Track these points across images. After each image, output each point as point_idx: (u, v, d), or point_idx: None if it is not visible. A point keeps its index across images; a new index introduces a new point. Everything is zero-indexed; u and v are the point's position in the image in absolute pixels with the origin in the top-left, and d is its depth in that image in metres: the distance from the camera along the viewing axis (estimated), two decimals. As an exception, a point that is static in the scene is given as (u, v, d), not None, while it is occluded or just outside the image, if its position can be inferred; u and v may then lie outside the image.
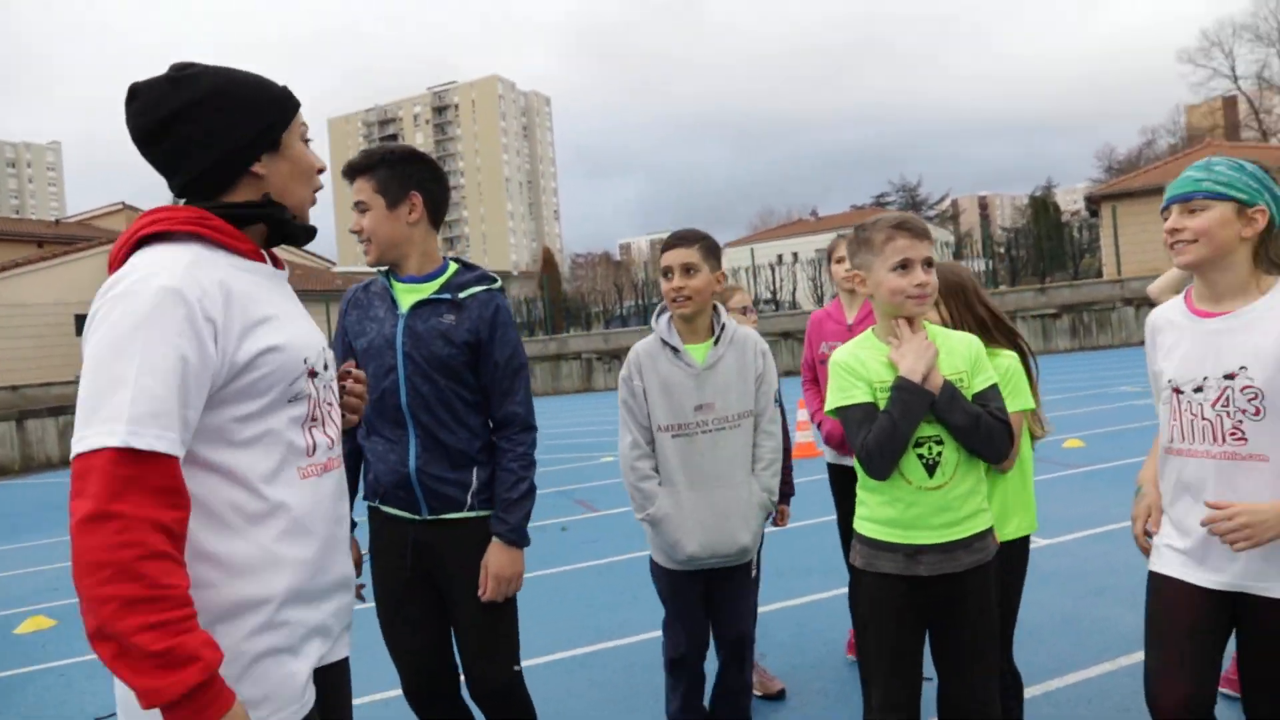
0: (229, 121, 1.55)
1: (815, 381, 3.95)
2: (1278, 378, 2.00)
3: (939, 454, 2.26)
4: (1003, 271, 27.82)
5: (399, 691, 2.69)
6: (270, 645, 1.49)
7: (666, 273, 2.87)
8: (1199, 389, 2.12)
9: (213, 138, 1.54)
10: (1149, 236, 24.74)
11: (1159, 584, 2.25)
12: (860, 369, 2.33)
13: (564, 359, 25.35)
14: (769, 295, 29.72)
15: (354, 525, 2.57)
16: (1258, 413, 2.03)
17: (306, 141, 1.69)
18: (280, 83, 1.66)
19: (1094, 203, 30.37)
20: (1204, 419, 2.11)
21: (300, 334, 1.59)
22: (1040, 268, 27.78)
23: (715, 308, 2.97)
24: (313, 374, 1.60)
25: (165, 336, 1.37)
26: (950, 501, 2.27)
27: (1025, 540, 2.83)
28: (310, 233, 1.68)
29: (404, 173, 2.50)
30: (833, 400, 2.37)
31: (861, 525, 2.39)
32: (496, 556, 2.52)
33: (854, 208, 77.11)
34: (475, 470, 2.53)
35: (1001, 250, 28.78)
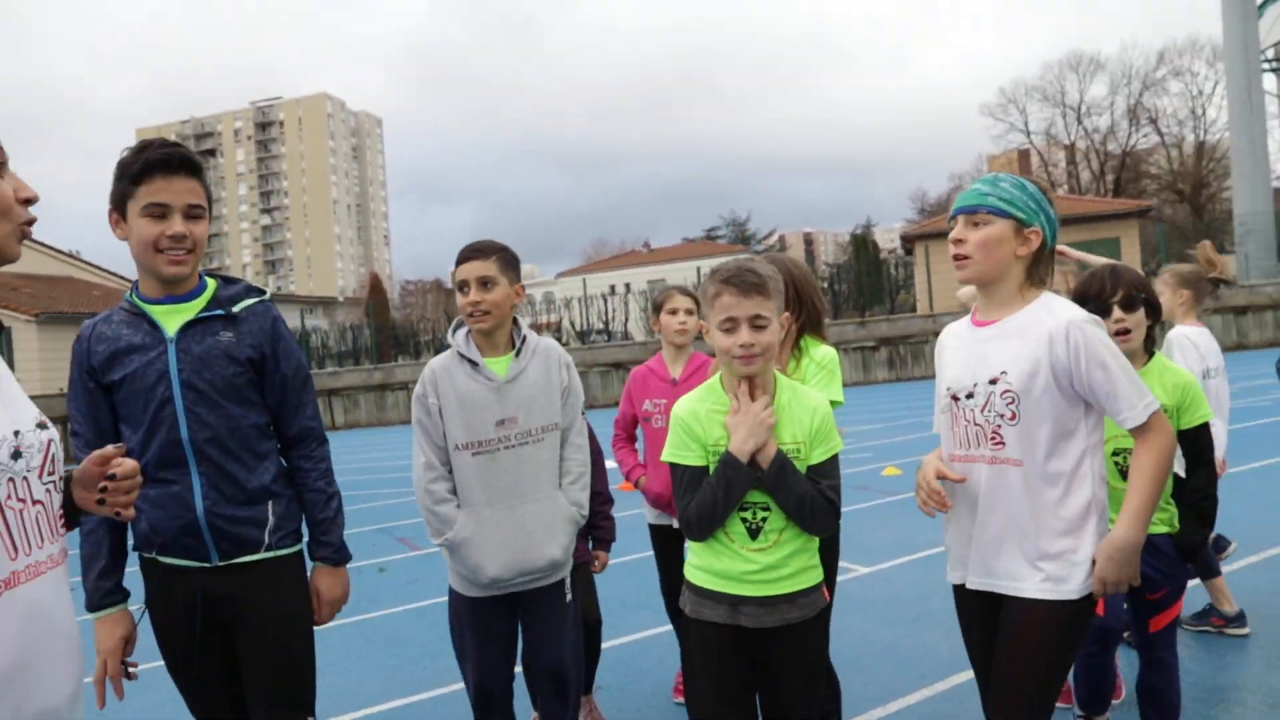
0: None
1: (630, 439, 3.88)
2: (1031, 382, 2.08)
3: (764, 519, 2.24)
4: (826, 304, 29.15)
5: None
6: None
7: (462, 287, 2.74)
8: (970, 395, 2.20)
9: None
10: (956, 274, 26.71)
11: (957, 597, 2.36)
12: (697, 428, 2.27)
13: (389, 389, 24.52)
14: (601, 325, 29.88)
15: (122, 596, 2.29)
16: (1013, 417, 2.11)
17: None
18: None
19: (909, 242, 32.45)
20: (976, 424, 2.19)
21: None
22: (860, 302, 29.26)
23: (515, 320, 2.86)
24: None
25: None
26: (775, 562, 2.24)
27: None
28: None
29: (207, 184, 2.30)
30: (667, 453, 2.33)
31: (690, 571, 2.34)
32: (326, 581, 2.43)
33: (685, 240, 79.18)
34: (271, 505, 2.33)
35: (825, 284, 30.14)
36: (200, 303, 2.30)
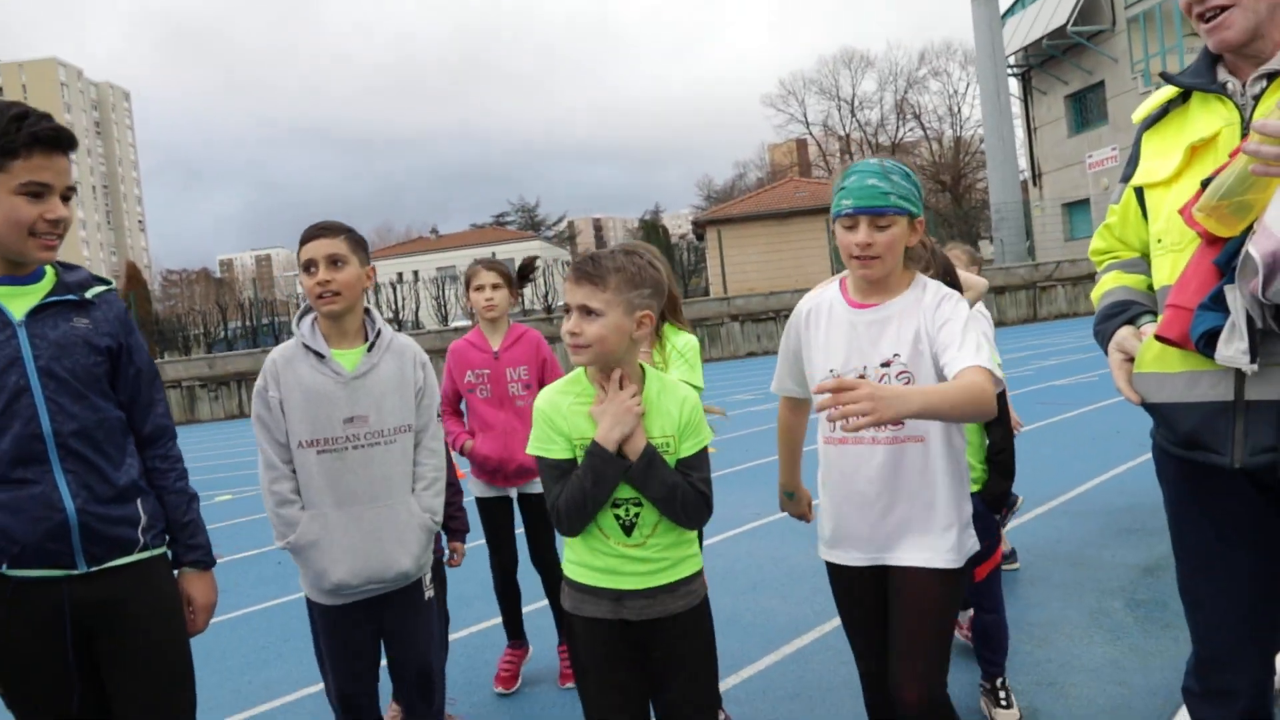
0: None
1: (455, 413, 3.84)
2: (923, 361, 2.15)
3: (636, 515, 2.16)
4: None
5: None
6: None
7: (309, 267, 2.54)
8: (861, 377, 2.20)
9: None
10: (746, 258, 27.75)
11: (837, 572, 2.37)
12: (560, 420, 2.17)
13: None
14: (390, 315, 28.82)
15: None
16: None
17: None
18: None
19: (700, 227, 33.49)
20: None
21: None
22: (653, 286, 30.04)
23: (368, 310, 2.68)
24: None
25: None
26: (651, 554, 2.17)
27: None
28: None
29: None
30: (532, 446, 2.22)
31: (568, 568, 2.25)
32: (200, 586, 2.29)
33: (474, 226, 77.91)
34: (140, 502, 2.15)
35: None
36: (45, 286, 2.08)
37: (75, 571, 2.01)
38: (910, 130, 55.31)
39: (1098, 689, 3.23)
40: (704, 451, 2.22)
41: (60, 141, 1.98)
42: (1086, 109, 30.81)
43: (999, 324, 22.76)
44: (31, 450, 1.97)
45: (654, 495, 2.11)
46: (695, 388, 2.80)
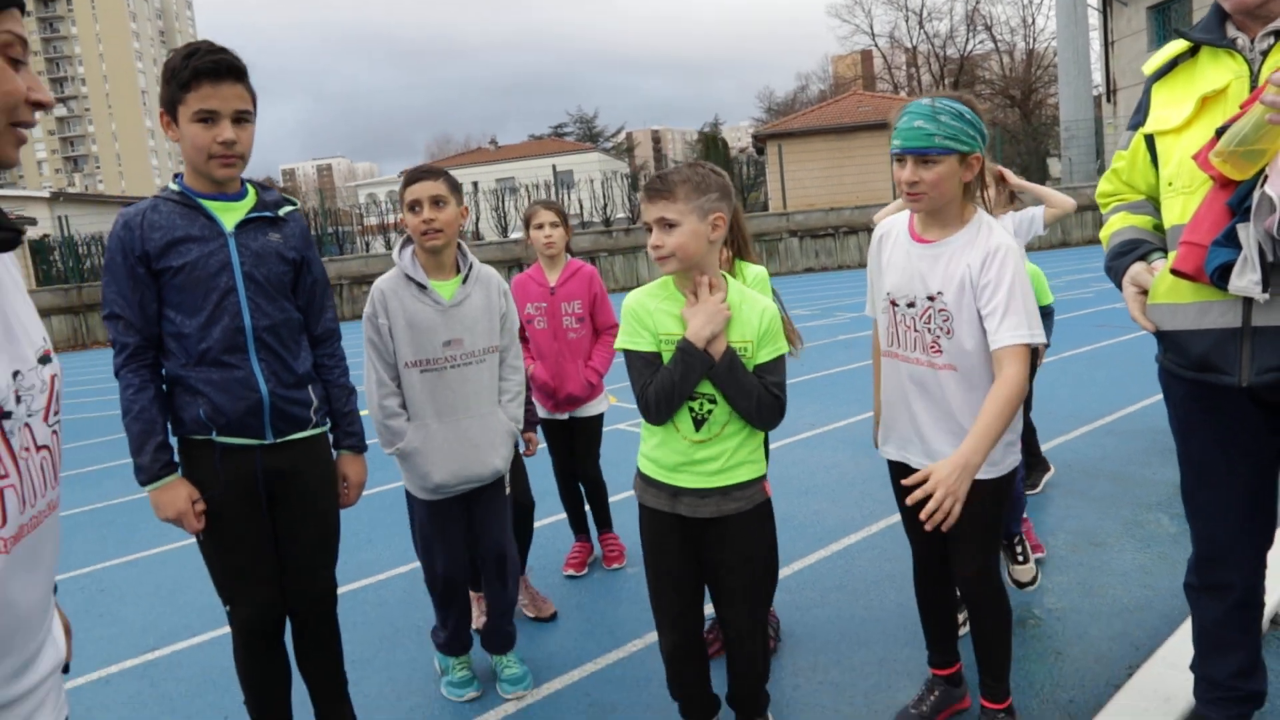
0: None
1: (523, 340, 4.06)
2: (962, 301, 2.33)
3: (709, 411, 2.34)
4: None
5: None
6: None
7: (414, 206, 2.84)
8: (911, 304, 2.43)
9: None
10: (807, 173, 27.41)
11: (895, 470, 2.59)
12: (646, 319, 2.36)
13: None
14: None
15: (178, 467, 2.40)
16: (949, 332, 2.36)
17: (15, 62, 1.21)
18: None
19: (760, 141, 32.95)
20: (915, 330, 2.43)
21: None
22: (712, 200, 29.74)
23: (460, 246, 2.98)
24: (3, 414, 1.17)
25: None
26: (715, 454, 2.36)
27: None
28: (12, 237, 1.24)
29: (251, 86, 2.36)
30: (620, 341, 2.41)
31: (640, 461, 2.48)
32: (354, 467, 2.68)
33: (532, 137, 77.45)
34: (312, 387, 2.53)
35: None
36: (248, 203, 2.42)
37: (264, 442, 2.41)
38: (980, 43, 53.01)
39: (1124, 590, 3.49)
40: (780, 359, 2.38)
41: (220, 71, 2.23)
42: (1170, 22, 29.26)
43: (1062, 244, 22.43)
44: (235, 341, 2.35)
45: (733, 393, 2.29)
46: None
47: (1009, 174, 3.90)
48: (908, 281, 2.43)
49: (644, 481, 2.46)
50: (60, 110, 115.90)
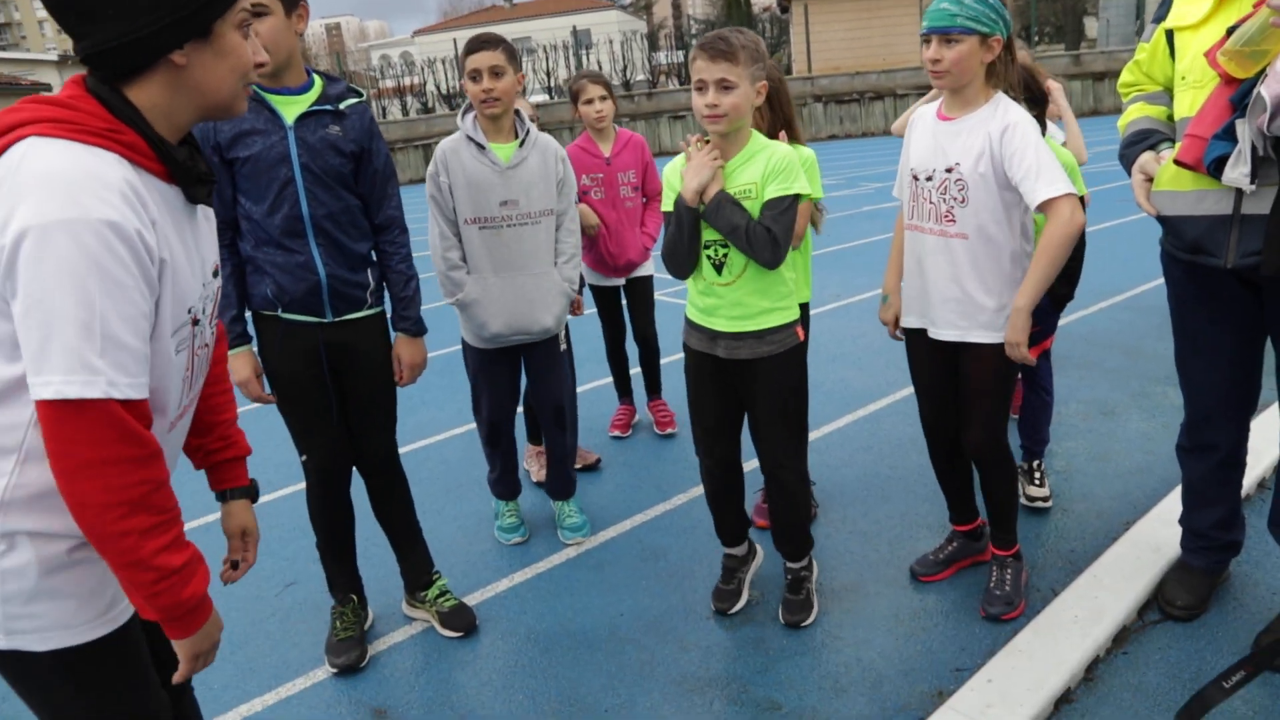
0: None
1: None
2: (976, 172, 2.52)
3: (724, 255, 2.56)
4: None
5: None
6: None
7: (475, 75, 2.99)
8: (930, 178, 2.63)
9: (130, 11, 1.31)
10: (832, 34, 26.52)
11: (910, 337, 2.85)
12: (674, 179, 2.63)
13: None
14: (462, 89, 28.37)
15: (250, 338, 2.67)
16: (963, 201, 2.56)
17: (245, 31, 1.45)
18: None
19: (785, 1, 31.75)
20: (930, 202, 2.64)
21: (188, 277, 1.44)
22: (734, 63, 28.95)
23: (517, 112, 3.15)
24: (194, 321, 1.48)
25: (120, 282, 1.27)
26: (742, 297, 2.58)
27: (805, 305, 3.31)
28: (206, 186, 1.47)
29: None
30: (662, 205, 2.68)
31: (686, 306, 2.77)
32: (408, 349, 2.84)
33: (548, -7, 74.38)
34: (369, 271, 2.71)
35: (690, 42, 29.38)
36: (311, 96, 2.55)
37: (325, 320, 2.64)
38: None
39: (1128, 455, 3.81)
40: (785, 198, 2.47)
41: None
42: None
43: (1093, 113, 21.90)
44: (295, 227, 2.55)
45: (723, 231, 2.49)
46: (813, 198, 3.17)
47: (1058, 93, 3.89)
48: (929, 156, 2.63)
49: (688, 325, 2.75)
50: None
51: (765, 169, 2.50)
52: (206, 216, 1.56)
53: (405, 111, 29.46)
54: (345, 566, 2.95)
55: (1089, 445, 3.94)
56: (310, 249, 2.57)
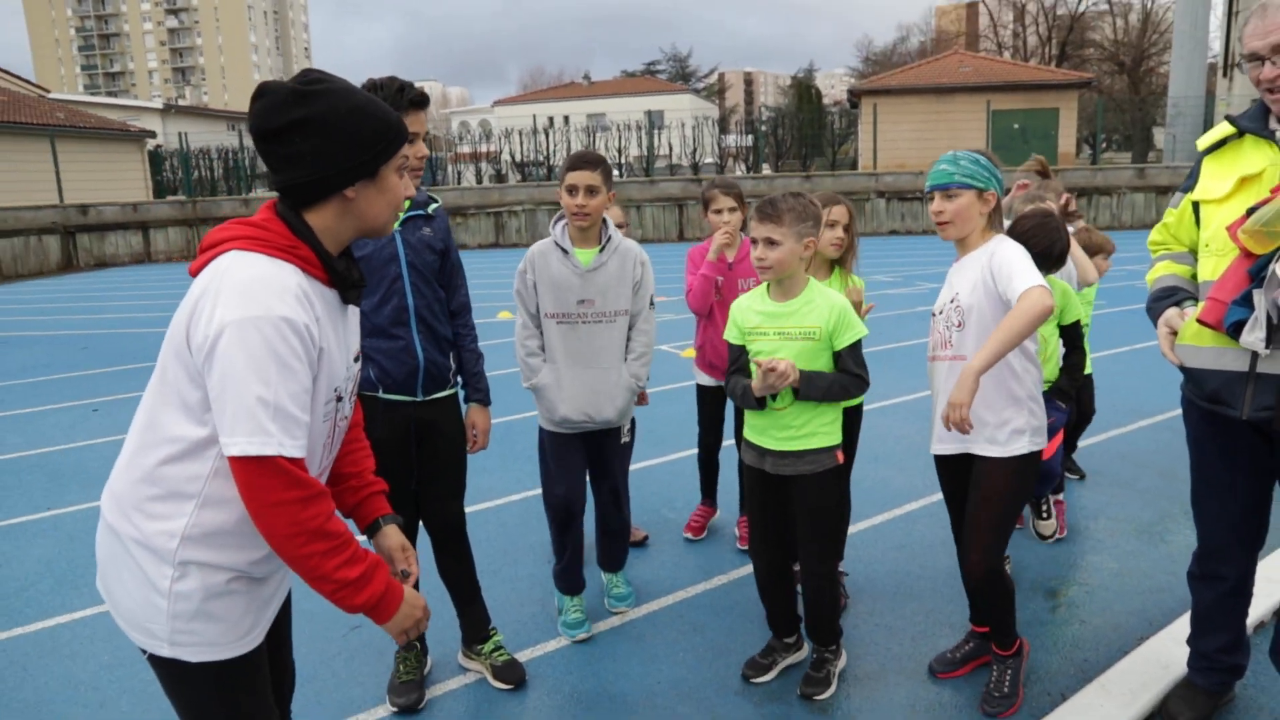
0: (336, 146, 1.69)
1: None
2: (971, 299, 2.84)
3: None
4: (766, 151, 29.24)
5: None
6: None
7: (571, 190, 3.33)
8: (941, 312, 2.97)
9: (318, 157, 1.68)
10: (899, 132, 27.15)
11: (938, 462, 3.14)
12: (739, 316, 3.04)
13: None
14: (541, 159, 29.48)
15: None
16: (960, 325, 2.88)
17: (403, 173, 1.87)
18: (395, 114, 1.80)
19: (855, 96, 32.56)
20: (939, 332, 2.97)
21: (338, 362, 1.79)
22: (802, 152, 29.58)
23: (604, 221, 3.51)
24: (339, 399, 1.83)
25: (292, 367, 1.63)
26: (789, 421, 2.97)
27: (858, 408, 3.69)
28: (358, 285, 1.85)
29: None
30: (726, 333, 3.11)
31: (745, 427, 3.13)
32: (481, 417, 3.25)
33: (625, 73, 77.06)
34: (452, 355, 3.09)
35: (767, 130, 30.11)
36: (408, 202, 2.94)
37: (417, 399, 3.00)
38: (1094, 3, 50.74)
39: (1150, 575, 3.98)
40: (857, 343, 2.96)
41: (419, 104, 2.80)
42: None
43: (1151, 224, 21.92)
44: (400, 318, 2.92)
45: (819, 398, 2.92)
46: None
47: (1074, 206, 4.27)
48: (943, 294, 2.99)
49: (745, 443, 3.13)
50: (171, 21, 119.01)
51: (829, 320, 2.93)
52: (354, 313, 1.93)
53: (479, 178, 30.61)
54: None
55: (1115, 561, 4.12)
56: (412, 336, 2.94)
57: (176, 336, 1.67)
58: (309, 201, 1.74)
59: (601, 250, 3.44)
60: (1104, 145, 32.87)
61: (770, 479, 3.05)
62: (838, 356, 2.97)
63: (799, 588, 3.24)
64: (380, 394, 2.96)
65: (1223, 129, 2.64)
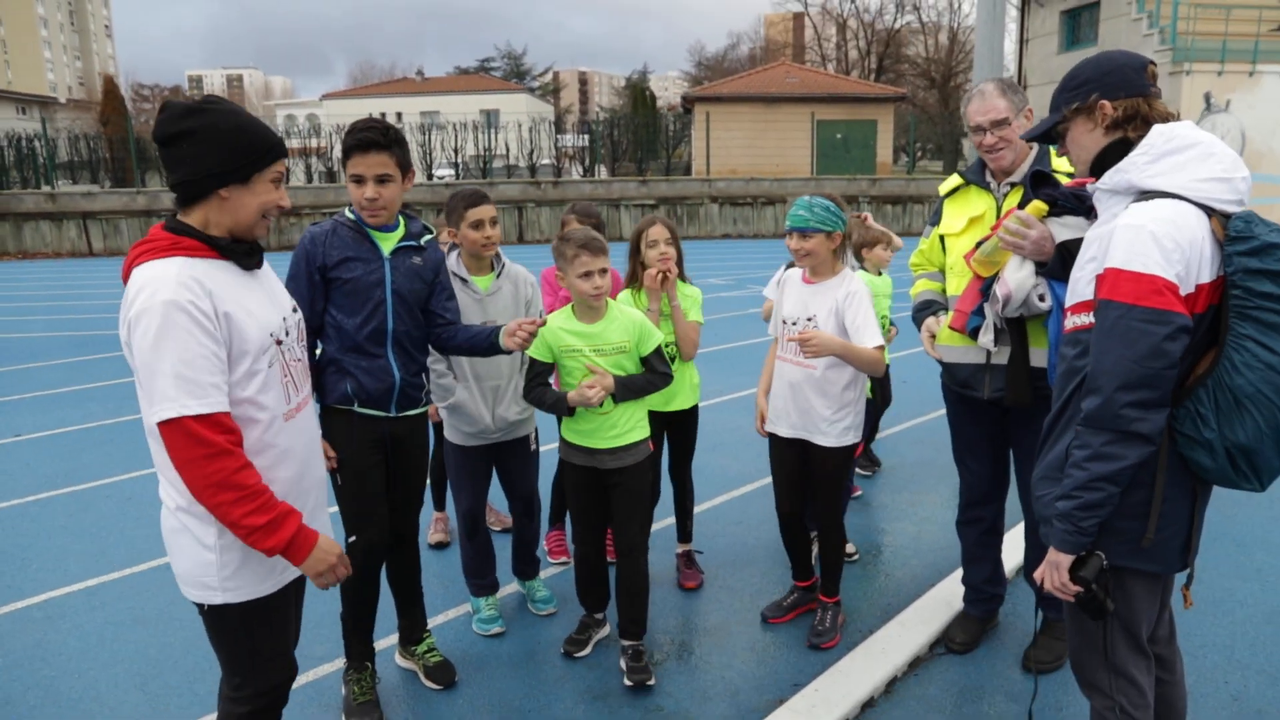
0: (209, 154, 2.08)
1: None
2: (831, 323, 3.49)
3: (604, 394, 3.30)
4: (603, 153, 29.69)
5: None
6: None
7: (477, 225, 3.59)
8: (795, 323, 3.61)
9: (197, 159, 2.08)
10: (731, 138, 28.41)
11: (771, 442, 3.78)
12: (549, 336, 3.34)
13: (157, 215, 23.17)
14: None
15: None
16: None
17: (277, 185, 2.21)
18: (278, 135, 2.21)
19: (689, 102, 33.73)
20: (793, 341, 3.58)
21: (256, 316, 2.14)
22: (637, 155, 30.19)
23: (498, 253, 3.78)
24: (278, 342, 2.17)
25: (182, 339, 1.98)
26: (616, 420, 3.39)
27: (695, 408, 4.24)
28: (252, 252, 2.23)
29: (405, 149, 3.08)
30: (532, 351, 3.37)
31: (564, 430, 3.51)
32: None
33: (458, 69, 76.10)
34: (424, 375, 3.28)
35: (603, 132, 30.38)
36: (400, 233, 3.14)
37: (390, 414, 3.16)
38: (908, 21, 54.65)
39: (937, 535, 4.79)
40: (659, 348, 3.42)
41: (364, 145, 2.95)
42: (1079, 27, 30.91)
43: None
44: (379, 339, 3.08)
45: (636, 397, 3.38)
46: (699, 322, 4.05)
47: (869, 219, 5.13)
48: (796, 309, 3.61)
49: (570, 447, 3.50)
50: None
51: (634, 334, 3.40)
52: (267, 275, 2.31)
53: (310, 176, 29.60)
54: (365, 637, 3.36)
55: (914, 526, 4.93)
56: (389, 356, 3.11)
57: (124, 345, 2.07)
58: (191, 199, 2.13)
59: (498, 276, 3.74)
60: (918, 155, 35.43)
61: (597, 474, 3.45)
62: (645, 361, 3.42)
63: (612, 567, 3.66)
64: (355, 408, 3.12)
65: (954, 180, 3.47)
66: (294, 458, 2.27)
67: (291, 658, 2.41)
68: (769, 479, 5.53)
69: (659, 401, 3.95)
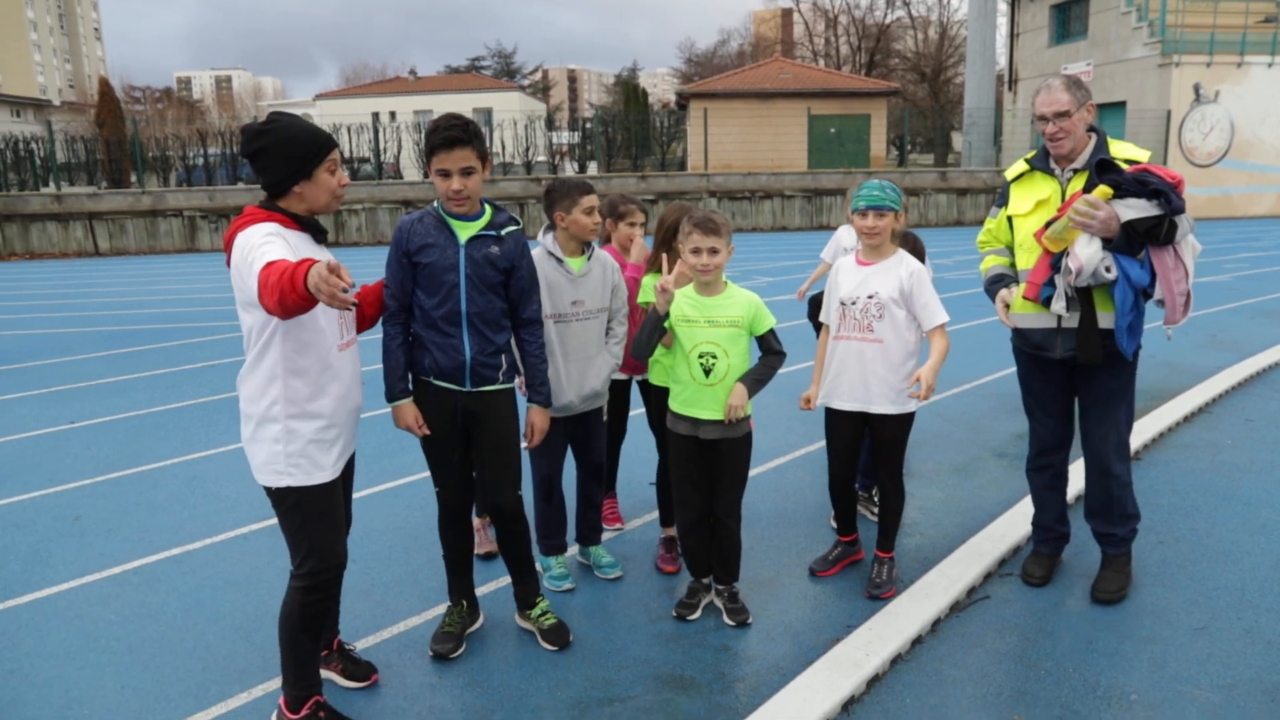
0: (280, 160, 2.83)
1: None
2: (890, 301, 3.81)
3: (714, 362, 3.58)
4: (596, 149, 29.84)
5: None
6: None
7: (589, 211, 3.89)
8: (854, 302, 3.90)
9: (273, 168, 2.84)
10: (726, 134, 28.67)
11: (828, 415, 4.09)
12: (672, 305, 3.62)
13: (162, 215, 23.40)
14: (368, 155, 28.61)
15: (411, 394, 3.46)
16: (881, 315, 3.84)
17: (333, 172, 2.90)
18: (325, 133, 2.88)
19: (684, 99, 34.00)
20: (855, 319, 3.90)
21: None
22: (632, 152, 30.41)
23: (589, 243, 4.03)
24: None
25: (271, 240, 2.66)
26: (720, 395, 3.59)
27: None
28: (320, 230, 2.98)
29: (484, 141, 3.31)
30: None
31: (671, 401, 3.76)
32: (539, 417, 3.63)
33: (450, 69, 76.29)
34: (503, 356, 3.46)
35: (596, 129, 30.48)
36: (482, 223, 3.37)
37: (464, 389, 3.39)
38: (898, 17, 55.08)
39: (969, 499, 5.13)
40: (773, 330, 3.64)
41: (450, 142, 3.18)
42: (1069, 20, 31.27)
43: (957, 223, 24.63)
44: (454, 319, 3.32)
45: (763, 386, 3.60)
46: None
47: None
48: (856, 289, 3.89)
49: (675, 416, 3.74)
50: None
51: (749, 314, 3.62)
52: (324, 250, 2.96)
53: (311, 175, 29.64)
54: (460, 578, 3.71)
55: (941, 492, 5.27)
56: (462, 335, 3.35)
57: (235, 288, 2.76)
58: (277, 195, 2.89)
59: (589, 259, 4.00)
60: (910, 148, 35.81)
61: (701, 444, 3.69)
62: (761, 340, 3.65)
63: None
64: (432, 380, 3.40)
65: (1021, 166, 3.81)
66: (342, 380, 2.99)
67: (340, 549, 3.02)
68: (800, 451, 5.97)
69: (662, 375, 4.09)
